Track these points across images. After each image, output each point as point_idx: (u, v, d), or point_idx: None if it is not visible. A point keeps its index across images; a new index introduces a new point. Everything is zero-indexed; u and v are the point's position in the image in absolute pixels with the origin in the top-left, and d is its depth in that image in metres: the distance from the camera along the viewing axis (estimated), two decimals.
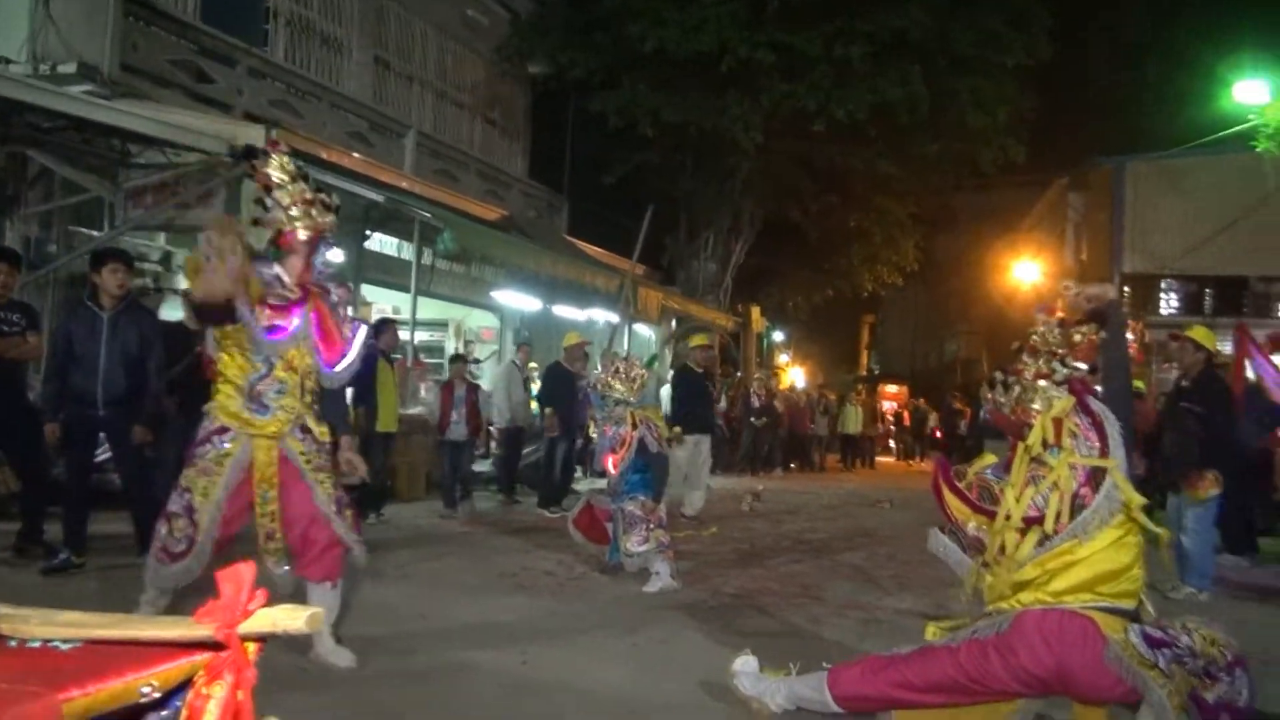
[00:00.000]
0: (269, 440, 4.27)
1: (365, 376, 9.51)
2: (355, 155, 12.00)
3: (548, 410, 10.84)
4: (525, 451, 11.73)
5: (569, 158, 19.46)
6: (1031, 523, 3.47)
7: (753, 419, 17.68)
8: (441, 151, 16.05)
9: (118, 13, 9.81)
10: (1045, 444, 3.54)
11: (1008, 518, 3.51)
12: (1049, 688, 3.44)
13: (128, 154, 9.54)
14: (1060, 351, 3.68)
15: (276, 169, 4.21)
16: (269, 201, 4.23)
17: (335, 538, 4.41)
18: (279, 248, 4.29)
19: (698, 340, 11.41)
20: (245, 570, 1.27)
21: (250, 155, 4.46)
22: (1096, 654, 3.28)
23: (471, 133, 17.25)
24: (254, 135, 9.20)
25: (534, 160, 19.13)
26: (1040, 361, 3.69)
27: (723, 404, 17.14)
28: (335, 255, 11.56)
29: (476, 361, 14.67)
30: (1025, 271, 31.50)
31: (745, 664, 4.08)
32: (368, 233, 12.54)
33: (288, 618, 1.27)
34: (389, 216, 12.03)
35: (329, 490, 4.39)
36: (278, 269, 4.26)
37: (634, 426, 6.86)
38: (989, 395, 3.87)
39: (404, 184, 12.40)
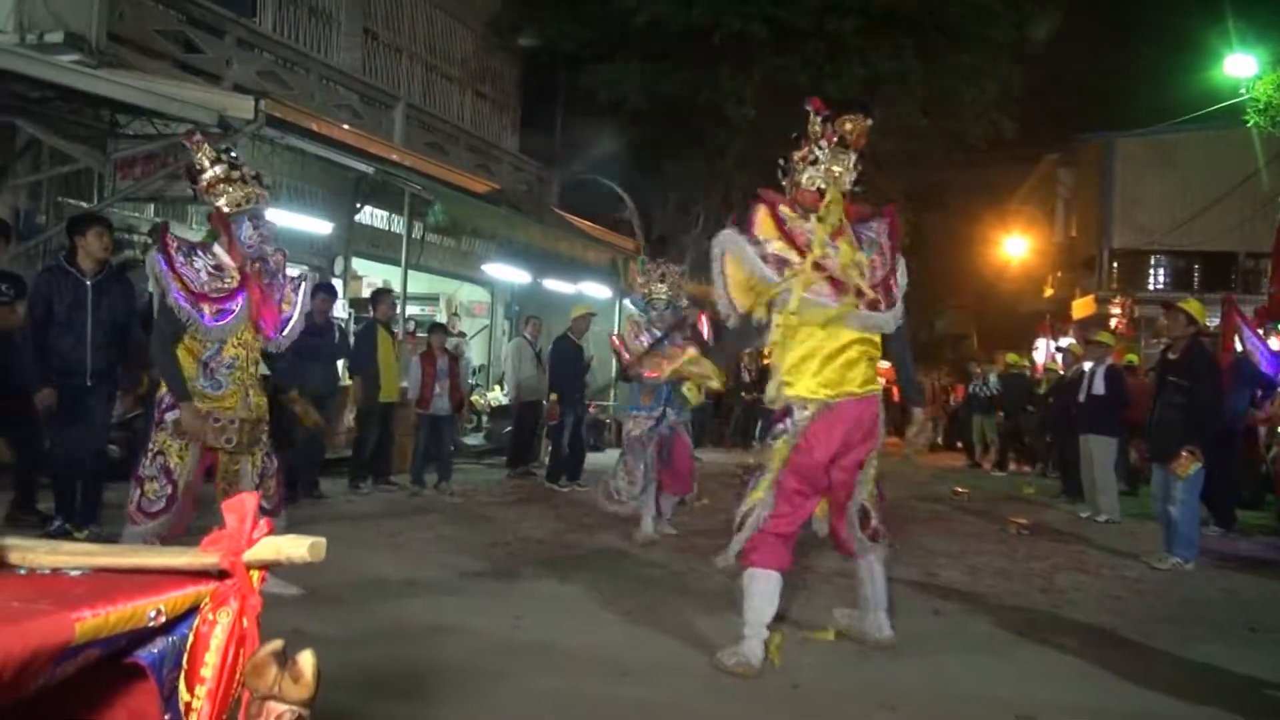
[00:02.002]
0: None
1: (364, 346, 9.55)
2: (345, 127, 11.93)
3: (552, 396, 10.82)
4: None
5: (559, 131, 19.37)
6: None
7: (743, 394, 17.71)
8: (431, 124, 15.97)
9: None
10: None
11: None
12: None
13: (116, 124, 9.48)
14: (821, 140, 4.29)
15: (199, 159, 4.62)
16: (194, 189, 4.74)
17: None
18: (212, 226, 4.77)
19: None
20: (249, 500, 1.31)
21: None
22: None
23: (461, 105, 17.17)
24: (243, 106, 9.16)
25: (525, 133, 19.05)
26: (808, 148, 4.32)
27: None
28: (323, 227, 11.59)
29: (462, 335, 14.67)
30: (1015, 247, 31.61)
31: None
32: (358, 205, 12.51)
33: (291, 546, 1.30)
34: (379, 189, 12.00)
35: (256, 462, 4.83)
36: (216, 251, 4.67)
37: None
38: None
39: (394, 156, 12.35)
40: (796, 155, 4.35)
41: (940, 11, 16.50)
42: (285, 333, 4.90)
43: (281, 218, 10.39)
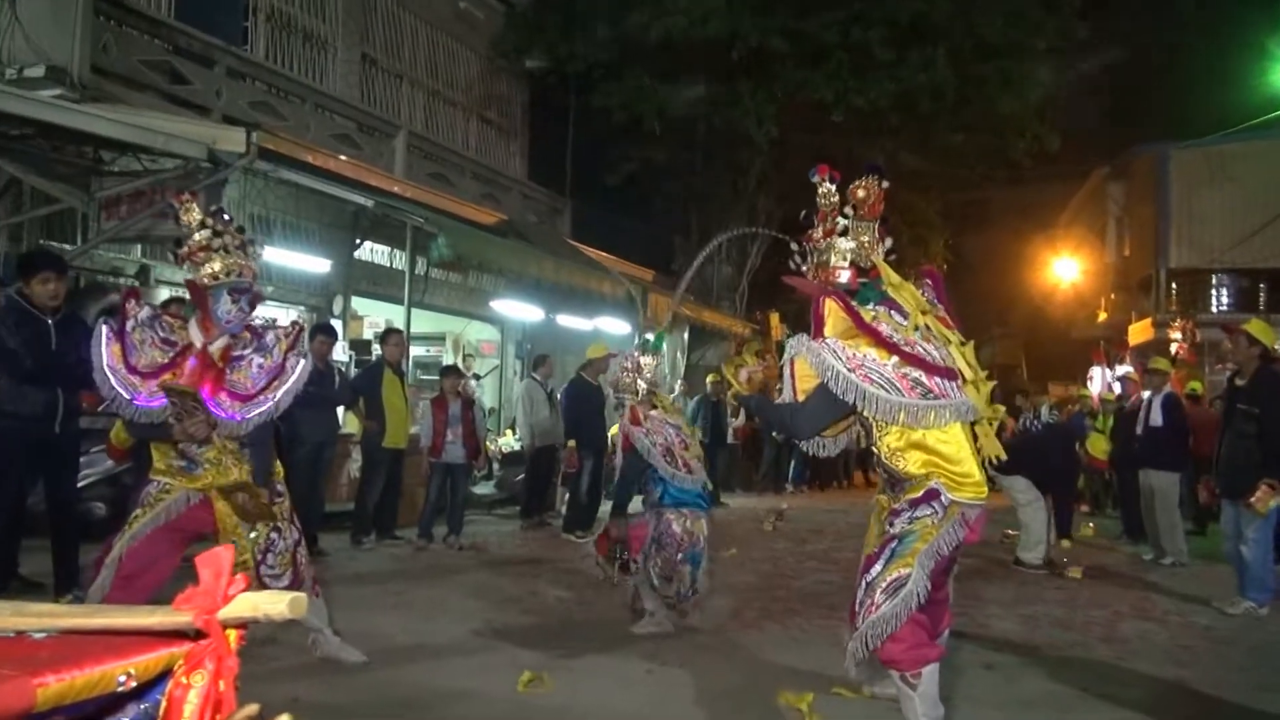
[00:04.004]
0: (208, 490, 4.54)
1: (370, 389, 9.58)
2: (342, 158, 12.07)
3: (569, 443, 10.80)
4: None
5: (570, 157, 19.51)
6: None
7: (774, 434, 17.64)
8: (434, 153, 16.14)
9: (87, 12, 9.90)
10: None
11: None
12: None
13: (100, 161, 9.62)
14: (839, 208, 4.09)
15: (186, 221, 4.44)
16: (176, 253, 4.58)
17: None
18: (190, 298, 4.61)
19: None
20: (225, 554, 1.30)
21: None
22: None
23: (466, 133, 17.35)
24: (234, 138, 9.27)
25: (534, 161, 19.19)
26: (827, 221, 4.10)
27: (740, 419, 17.13)
28: (320, 265, 11.68)
29: (477, 377, 14.70)
30: (1064, 269, 31.49)
31: None
32: (357, 241, 12.60)
33: (270, 602, 1.29)
34: (379, 223, 12.09)
35: (259, 539, 4.62)
36: (190, 326, 4.49)
37: (632, 422, 6.20)
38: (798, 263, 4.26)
39: (395, 188, 12.46)
40: (816, 234, 4.15)
41: (973, 19, 16.58)
42: (251, 415, 4.47)
43: (276, 255, 10.50)
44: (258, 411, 4.47)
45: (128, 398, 4.26)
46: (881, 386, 3.76)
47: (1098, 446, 13.69)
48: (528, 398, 11.59)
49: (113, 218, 9.63)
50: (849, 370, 3.78)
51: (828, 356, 3.82)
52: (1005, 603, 7.50)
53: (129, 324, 4.37)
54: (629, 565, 6.28)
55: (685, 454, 6.22)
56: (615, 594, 6.75)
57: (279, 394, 4.51)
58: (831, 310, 3.97)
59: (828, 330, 3.95)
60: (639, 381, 6.37)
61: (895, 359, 3.80)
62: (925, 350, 3.85)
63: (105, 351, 4.28)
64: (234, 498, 4.49)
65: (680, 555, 6.08)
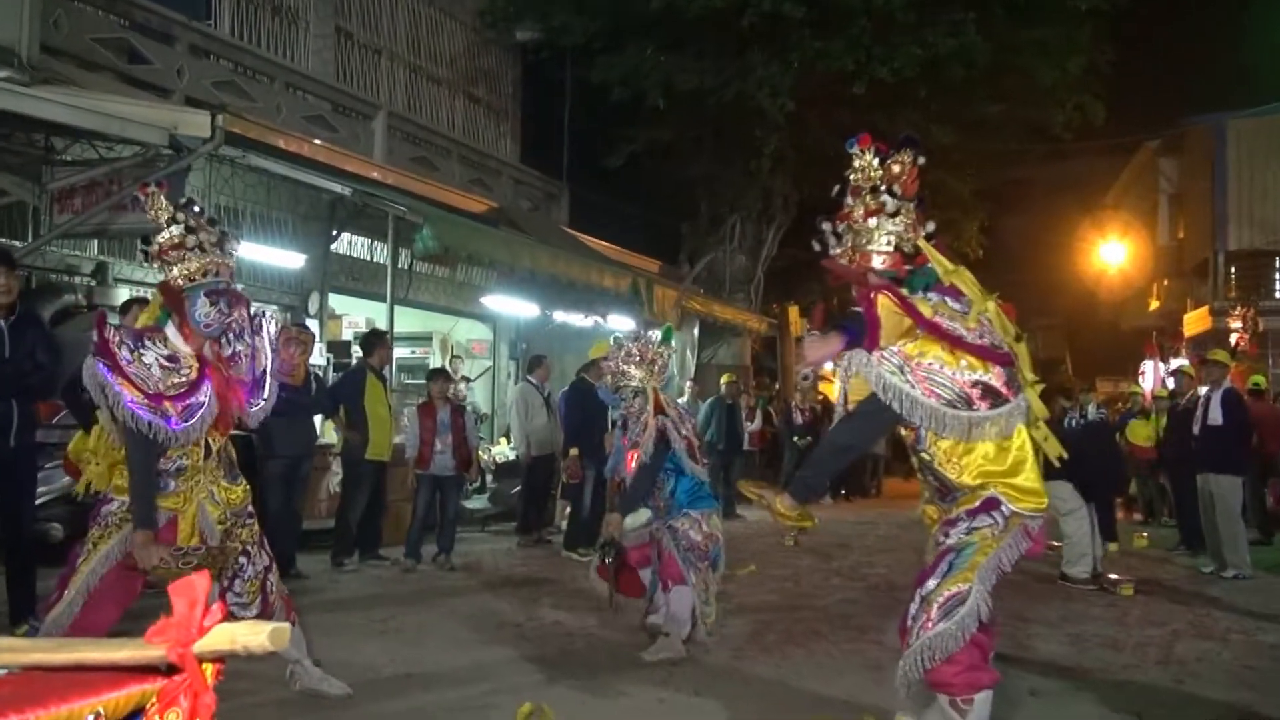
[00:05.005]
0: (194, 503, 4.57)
1: (352, 396, 9.58)
2: (316, 142, 12.10)
3: (572, 452, 10.69)
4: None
5: (567, 138, 19.53)
6: None
7: (795, 438, 17.66)
8: (417, 135, 16.17)
9: None
10: None
11: None
12: None
13: (52, 149, 9.65)
14: (882, 184, 3.98)
15: (153, 215, 4.46)
16: (146, 250, 4.56)
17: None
18: (162, 302, 4.58)
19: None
20: (200, 581, 1.31)
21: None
22: None
23: (452, 112, 17.38)
24: (197, 122, 9.31)
25: (526, 142, 19.20)
26: (866, 198, 4.00)
27: (757, 422, 17.14)
28: (294, 260, 11.70)
29: (467, 380, 14.72)
30: (1111, 253, 31.42)
31: None
32: (334, 233, 12.64)
33: (249, 634, 1.30)
34: (358, 213, 12.12)
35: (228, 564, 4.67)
36: (169, 334, 4.49)
37: (657, 411, 6.26)
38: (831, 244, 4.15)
39: (375, 174, 12.50)
40: (857, 213, 4.05)
41: None
42: (265, 394, 4.74)
43: (246, 250, 10.52)
44: (268, 389, 4.75)
45: (165, 425, 4.31)
46: (951, 404, 3.71)
47: (1139, 434, 13.67)
48: (523, 402, 11.59)
49: (66, 211, 9.66)
50: (912, 388, 3.71)
51: (888, 375, 3.73)
52: (1050, 622, 7.50)
53: (122, 356, 4.33)
54: (621, 568, 6.37)
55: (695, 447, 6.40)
56: (622, 617, 6.75)
57: (269, 361, 4.78)
58: (884, 307, 3.90)
59: (883, 334, 3.89)
60: (654, 370, 6.46)
61: (964, 360, 3.75)
62: (994, 342, 3.79)
63: (123, 395, 4.25)
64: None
65: (705, 563, 6.17)
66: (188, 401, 4.38)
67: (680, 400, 15.15)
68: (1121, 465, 12.20)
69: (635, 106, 17.60)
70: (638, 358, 6.49)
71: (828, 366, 4.32)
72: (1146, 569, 10.21)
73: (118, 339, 4.36)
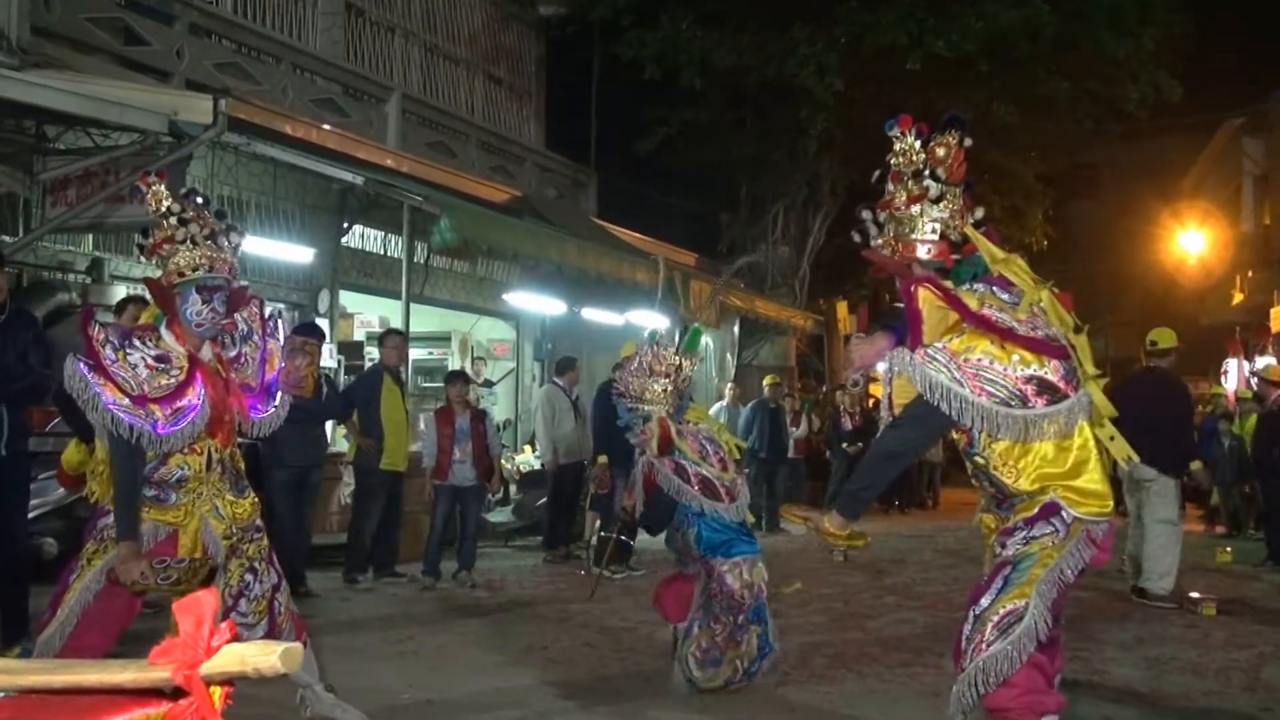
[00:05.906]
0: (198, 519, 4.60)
1: (366, 400, 9.61)
2: (326, 128, 12.16)
3: (600, 459, 10.62)
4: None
5: (595, 121, 19.51)
6: None
7: (844, 445, 17.60)
8: (434, 119, 16.20)
9: None
10: None
11: None
12: None
13: (44, 138, 9.74)
14: (925, 168, 3.94)
15: (152, 205, 4.47)
16: (143, 244, 4.58)
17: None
18: (153, 300, 4.65)
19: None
20: (207, 599, 1.33)
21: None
22: None
23: (471, 94, 17.39)
24: (199, 107, 9.37)
25: (551, 126, 19.21)
26: (908, 183, 3.95)
27: (803, 428, 17.09)
28: (303, 255, 11.77)
29: (489, 384, 14.75)
30: (1190, 242, 31.11)
31: None
32: (345, 225, 12.69)
33: (260, 655, 1.31)
34: (371, 203, 12.18)
35: (231, 580, 4.66)
36: (162, 334, 4.50)
37: (663, 447, 5.77)
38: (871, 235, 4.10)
39: (388, 161, 12.55)
40: (899, 200, 4.00)
41: None
42: (277, 402, 4.78)
43: (251, 244, 10.57)
44: (280, 398, 4.76)
45: (150, 429, 4.30)
46: (1005, 402, 3.67)
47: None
48: (549, 407, 11.60)
49: (59, 203, 9.74)
50: (961, 387, 3.67)
51: (935, 374, 3.70)
52: (1125, 644, 7.43)
53: (106, 355, 4.34)
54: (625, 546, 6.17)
55: (725, 476, 5.85)
56: (656, 640, 6.76)
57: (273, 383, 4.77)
58: (926, 301, 3.88)
59: (926, 330, 3.86)
60: (669, 387, 5.89)
61: (1016, 355, 3.71)
62: (1048, 334, 3.76)
63: (101, 395, 4.26)
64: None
65: (741, 618, 5.79)
66: (176, 404, 4.37)
67: (718, 405, 15.15)
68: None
69: (669, 86, 17.59)
70: (648, 371, 5.96)
71: (880, 367, 4.22)
72: (1230, 586, 10.11)
73: (102, 337, 4.38)
